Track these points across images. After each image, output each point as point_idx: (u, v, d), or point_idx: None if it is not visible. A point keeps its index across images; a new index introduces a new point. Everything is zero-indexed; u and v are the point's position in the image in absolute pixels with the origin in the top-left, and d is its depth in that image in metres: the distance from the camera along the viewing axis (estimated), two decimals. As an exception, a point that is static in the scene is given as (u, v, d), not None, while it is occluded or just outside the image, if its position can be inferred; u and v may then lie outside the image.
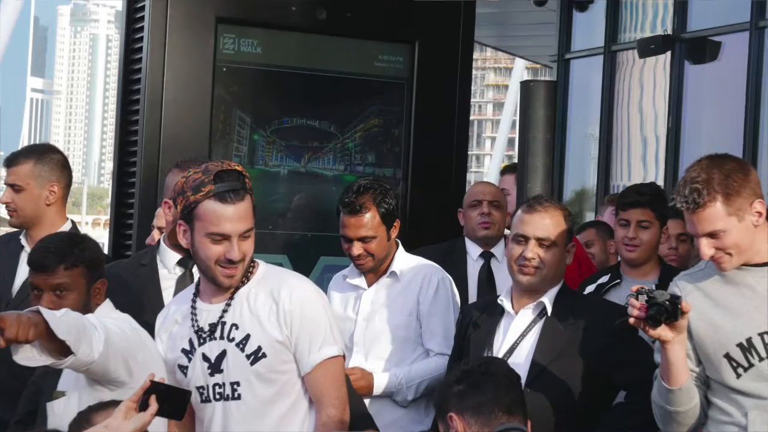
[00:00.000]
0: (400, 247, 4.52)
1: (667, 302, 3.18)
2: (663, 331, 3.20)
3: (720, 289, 3.35)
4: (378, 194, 4.36)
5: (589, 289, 4.67)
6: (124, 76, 5.92)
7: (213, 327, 3.48)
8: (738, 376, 3.29)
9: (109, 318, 3.39)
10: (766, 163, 9.33)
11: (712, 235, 3.25)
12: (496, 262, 5.19)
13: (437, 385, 3.70)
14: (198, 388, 3.49)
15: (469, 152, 6.99)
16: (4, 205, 4.70)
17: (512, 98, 33.51)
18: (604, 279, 4.72)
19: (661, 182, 9.97)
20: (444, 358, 4.26)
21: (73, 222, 4.77)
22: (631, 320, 3.22)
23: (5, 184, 4.71)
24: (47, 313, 3.02)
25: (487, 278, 5.18)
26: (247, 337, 3.44)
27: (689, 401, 3.34)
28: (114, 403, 3.04)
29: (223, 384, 3.47)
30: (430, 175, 6.15)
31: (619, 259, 4.82)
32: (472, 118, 9.09)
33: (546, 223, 3.82)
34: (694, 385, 3.35)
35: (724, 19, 10.01)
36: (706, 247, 3.26)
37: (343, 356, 3.57)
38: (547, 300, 3.82)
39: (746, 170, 3.31)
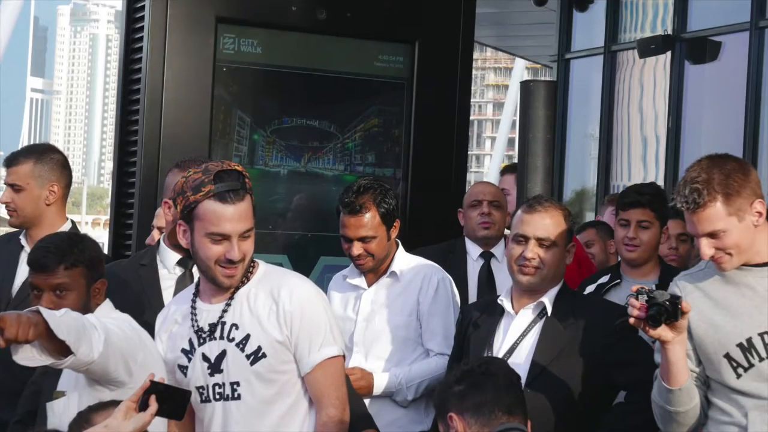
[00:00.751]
0: (400, 247, 4.51)
1: (667, 302, 3.17)
2: (663, 331, 3.20)
3: (720, 289, 3.35)
4: (378, 194, 4.35)
5: (589, 289, 4.67)
6: (124, 76, 5.92)
7: (213, 327, 3.48)
8: (738, 376, 3.29)
9: (109, 318, 3.39)
10: (766, 163, 9.33)
11: (713, 235, 3.25)
12: (496, 262, 5.19)
13: (437, 385, 3.70)
14: (198, 388, 3.49)
15: (469, 152, 6.99)
16: (4, 205, 4.70)
17: (512, 98, 33.50)
18: (604, 279, 4.72)
19: (661, 182, 9.97)
20: (444, 358, 4.26)
21: (73, 222, 4.77)
22: (631, 320, 3.21)
23: (5, 184, 4.71)
24: (47, 313, 3.01)
25: (487, 278, 5.18)
26: (247, 337, 3.44)
27: (689, 401, 3.33)
28: (114, 403, 3.04)
29: (223, 384, 3.46)
30: (430, 175, 6.15)
31: (619, 259, 4.81)
32: (472, 118, 9.08)
33: (546, 223, 3.82)
34: (694, 385, 3.35)
35: (724, 19, 10.01)
36: (706, 247, 3.26)
37: (343, 356, 3.56)
38: (547, 300, 3.82)
39: (746, 170, 3.30)
